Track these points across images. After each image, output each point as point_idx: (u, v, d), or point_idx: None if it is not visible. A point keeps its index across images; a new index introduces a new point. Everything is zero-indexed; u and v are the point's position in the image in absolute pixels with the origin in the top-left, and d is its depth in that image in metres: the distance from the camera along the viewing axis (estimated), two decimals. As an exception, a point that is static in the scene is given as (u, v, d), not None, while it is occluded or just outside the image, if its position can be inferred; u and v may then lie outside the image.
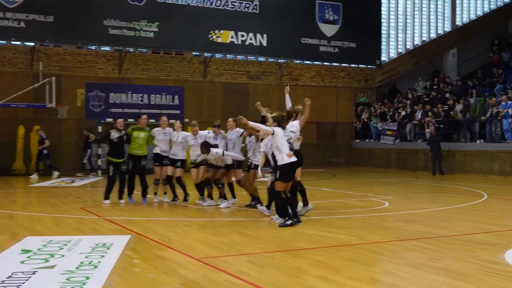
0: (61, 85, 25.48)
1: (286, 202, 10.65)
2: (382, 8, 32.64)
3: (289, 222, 10.48)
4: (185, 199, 14.41)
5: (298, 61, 30.54)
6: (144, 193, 14.30)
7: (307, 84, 30.77)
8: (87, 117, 26.09)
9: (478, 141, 25.54)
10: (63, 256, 7.74)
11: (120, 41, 26.21)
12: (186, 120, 26.26)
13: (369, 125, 30.77)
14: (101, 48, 26.93)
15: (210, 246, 8.61)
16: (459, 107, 26.71)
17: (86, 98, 26.19)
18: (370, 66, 32.30)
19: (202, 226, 10.67)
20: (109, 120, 25.15)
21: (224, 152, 13.18)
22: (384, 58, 32.83)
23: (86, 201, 15.20)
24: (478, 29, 35.09)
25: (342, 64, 31.77)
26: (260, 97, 28.97)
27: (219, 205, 13.52)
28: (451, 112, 26.46)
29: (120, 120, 14.02)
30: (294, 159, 10.62)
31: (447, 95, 28.77)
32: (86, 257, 7.61)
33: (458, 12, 34.88)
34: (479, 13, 35.57)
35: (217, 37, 28.05)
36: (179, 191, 14.53)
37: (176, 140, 14.27)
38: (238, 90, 29.20)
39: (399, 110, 29.46)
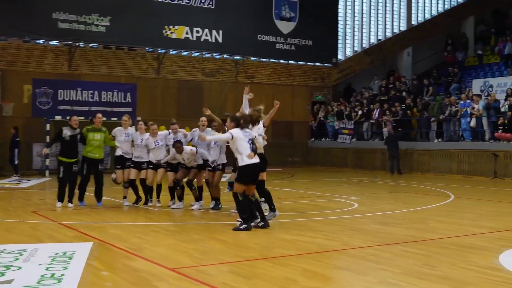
0: (6, 81, 24.26)
1: (244, 205, 9.97)
2: (339, 6, 32.23)
3: (243, 226, 9.85)
4: (135, 202, 13.55)
5: (254, 59, 29.90)
6: (99, 196, 13.36)
7: (263, 82, 30.15)
8: (34, 114, 24.86)
9: (436, 140, 25.40)
10: (20, 268, 6.84)
11: (70, 35, 24.99)
12: (138, 118, 25.26)
13: (325, 124, 30.35)
14: (50, 43, 25.72)
15: (185, 254, 7.82)
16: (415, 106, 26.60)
17: (33, 94, 24.98)
18: (326, 65, 31.89)
19: (171, 232, 9.87)
20: (58, 118, 24.03)
21: (198, 150, 12.49)
22: (340, 56, 32.48)
23: (37, 204, 14.14)
24: (432, 28, 35.12)
25: (299, 62, 31.28)
26: (215, 95, 28.35)
27: (192, 206, 12.84)
28: (408, 111, 26.24)
29: (75, 117, 12.98)
30: (255, 160, 9.96)
31: (404, 94, 28.60)
32: (46, 269, 6.73)
33: (413, 11, 34.80)
34: (434, 12, 35.60)
35: (172, 32, 27.13)
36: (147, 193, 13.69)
37: (140, 143, 13.35)
38: (192, 88, 28.36)
39: (356, 109, 29.12)
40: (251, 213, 10.13)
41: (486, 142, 23.33)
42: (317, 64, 31.77)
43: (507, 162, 22.37)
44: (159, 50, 27.72)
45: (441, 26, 35.39)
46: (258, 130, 10.79)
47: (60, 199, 12.93)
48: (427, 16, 35.42)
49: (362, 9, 33.50)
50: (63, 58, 25.80)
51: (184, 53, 28.53)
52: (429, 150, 25.17)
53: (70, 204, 12.90)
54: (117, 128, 13.47)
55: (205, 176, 12.84)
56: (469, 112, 23.73)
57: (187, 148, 12.59)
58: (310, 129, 31.26)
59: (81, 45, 25.87)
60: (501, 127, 22.49)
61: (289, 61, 30.93)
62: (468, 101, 24.14)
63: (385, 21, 34.12)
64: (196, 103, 28.02)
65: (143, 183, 13.40)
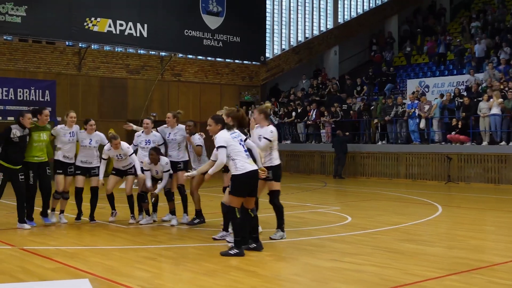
0: None
1: (241, 224, 8.32)
2: (267, 2, 30.87)
3: (233, 251, 8.17)
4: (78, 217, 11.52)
5: (181, 55, 27.97)
6: (45, 211, 11.18)
7: (190, 81, 28.32)
8: None
9: (380, 143, 24.56)
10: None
11: (-19, 25, 22.21)
12: (58, 118, 22.80)
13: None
14: (-43, 33, 22.77)
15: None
16: (357, 106, 25.71)
17: None
18: (254, 63, 30.47)
19: (173, 259, 8.06)
20: (-31, 118, 21.22)
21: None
22: (268, 54, 31.14)
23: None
24: (358, 27, 34.55)
25: (226, 60, 29.67)
26: (140, 94, 26.29)
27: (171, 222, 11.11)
28: (351, 112, 25.27)
29: (29, 114, 10.67)
30: (252, 167, 8.26)
31: (343, 94, 27.67)
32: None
33: (340, 9, 34.07)
34: (360, 11, 35.07)
35: (94, 25, 24.77)
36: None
37: (88, 145, 11.31)
38: (116, 86, 26.09)
39: (289, 109, 27.83)
40: (247, 234, 8.48)
41: (438, 144, 22.64)
42: (245, 62, 30.30)
43: (461, 165, 21.65)
44: (80, 45, 25.24)
45: (366, 25, 34.91)
46: (270, 133, 9.19)
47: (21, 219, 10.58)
48: (353, 14, 34.80)
49: (290, 6, 32.34)
50: (-28, 51, 22.94)
51: (107, 48, 26.21)
52: (373, 153, 24.24)
53: (25, 225, 10.60)
54: (60, 126, 11.35)
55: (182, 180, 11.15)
56: (417, 113, 23.02)
57: (164, 160, 10.87)
58: (240, 130, 29.64)
59: (-7, 37, 23.10)
60: (457, 129, 21.76)
61: (217, 59, 29.24)
62: (416, 101, 23.43)
63: (312, 18, 33.15)
64: (120, 102, 25.91)
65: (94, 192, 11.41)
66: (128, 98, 26.29)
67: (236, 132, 8.55)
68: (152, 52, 27.27)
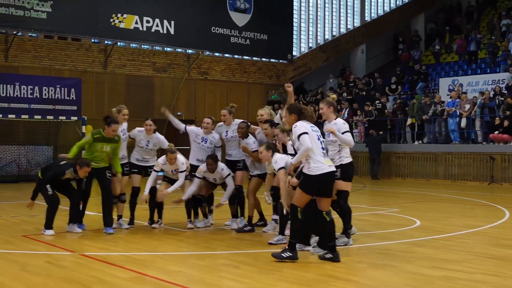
0: None
1: (300, 226, 7.57)
2: (294, -1, 30.15)
3: (286, 254, 7.40)
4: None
5: (208, 53, 27.17)
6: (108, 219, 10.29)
7: (217, 79, 27.55)
8: (-36, 113, 21.05)
9: (416, 142, 23.73)
10: None
11: (6, 22, 21.53)
12: (83, 117, 22.12)
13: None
14: (-18, 30, 22.06)
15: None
16: (390, 105, 24.89)
17: (-38, 89, 21.19)
18: (282, 61, 29.68)
19: (258, 268, 7.22)
20: (-1, 117, 20.53)
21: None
22: (295, 52, 30.34)
23: (16, 223, 10.95)
24: (384, 25, 33.75)
25: (254, 58, 28.87)
26: (166, 92, 25.53)
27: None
28: (386, 111, 24.45)
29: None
30: (330, 168, 7.47)
31: (376, 93, 26.82)
32: None
33: (367, 7, 33.27)
34: (386, 9, 34.28)
35: (120, 22, 24.05)
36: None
37: (145, 146, 10.42)
38: (142, 84, 25.32)
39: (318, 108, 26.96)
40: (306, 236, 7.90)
41: (480, 144, 21.78)
42: (272, 60, 29.50)
43: (505, 165, 20.79)
44: (106, 41, 24.50)
45: (393, 23, 34.10)
46: (343, 125, 8.48)
47: (49, 225, 9.57)
48: (380, 12, 34.00)
49: (317, 3, 31.56)
50: (-3, 47, 22.23)
51: (133, 45, 25.45)
52: (410, 153, 23.41)
53: (77, 229, 9.79)
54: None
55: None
56: (458, 112, 22.17)
57: (220, 166, 9.98)
58: (267, 130, 28.80)
59: (19, 34, 22.31)
60: (500, 128, 20.92)
61: (244, 57, 28.46)
62: (458, 99, 22.58)
63: (340, 16, 32.37)
64: (146, 101, 25.15)
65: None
66: (155, 96, 25.54)
67: (315, 126, 7.76)
68: (179, 50, 26.53)
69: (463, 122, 22.27)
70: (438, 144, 22.86)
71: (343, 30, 32.45)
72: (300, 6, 30.94)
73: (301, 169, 7.61)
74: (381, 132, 23.69)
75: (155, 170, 10.02)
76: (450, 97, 23.40)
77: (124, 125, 10.47)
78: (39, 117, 21.47)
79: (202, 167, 9.90)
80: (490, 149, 21.33)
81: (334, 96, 9.48)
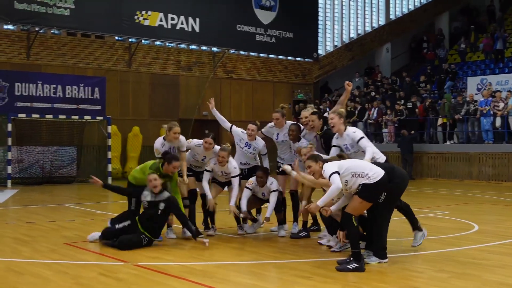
0: (-48, 72, 19.96)
1: (357, 234, 7.08)
2: (318, -4, 29.57)
3: (352, 265, 6.82)
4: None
5: (233, 51, 26.59)
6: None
7: (242, 78, 26.99)
8: (-14, 112, 20.58)
9: (448, 142, 23.09)
10: None
11: (28, 18, 20.92)
12: (108, 117, 21.63)
13: (310, 124, 27.35)
14: (5, 27, 21.54)
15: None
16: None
17: (-15, 88, 20.70)
18: (307, 60, 29.08)
19: (333, 279, 6.68)
20: (21, 116, 19.97)
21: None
22: (320, 51, 29.75)
23: (55, 229, 10.42)
24: (409, 23, 33.15)
25: (279, 57, 28.29)
26: (192, 91, 25.01)
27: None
28: (416, 110, 23.81)
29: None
30: (380, 173, 7.03)
31: (401, 92, 26.23)
32: None
33: (391, 5, 32.67)
34: (411, 7, 33.66)
35: (144, 19, 23.50)
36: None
37: (200, 160, 9.62)
38: (167, 83, 24.78)
39: (350, 109, 26.40)
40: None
41: (514, 144, 21.22)
42: (297, 59, 28.90)
43: (541, 165, 20.29)
44: (130, 39, 23.99)
45: (417, 21, 33.51)
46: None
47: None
48: (405, 10, 33.39)
49: (342, 1, 31.00)
50: (20, 45, 21.73)
51: (157, 43, 24.92)
52: (442, 153, 22.78)
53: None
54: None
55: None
56: (491, 112, 21.54)
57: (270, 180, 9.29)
58: (293, 130, 28.16)
59: (41, 31, 21.84)
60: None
61: (269, 55, 27.89)
62: (490, 98, 21.94)
63: (365, 14, 31.77)
64: (171, 100, 24.65)
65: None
66: (180, 96, 25.01)
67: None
68: (204, 48, 25.99)
69: (498, 122, 21.67)
70: (471, 144, 22.27)
71: (368, 29, 31.87)
72: (325, 4, 30.38)
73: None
74: (412, 132, 23.07)
75: (207, 170, 9.41)
76: (483, 96, 22.78)
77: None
78: (64, 117, 20.95)
79: (253, 179, 9.27)
80: (527, 149, 20.78)
81: (343, 110, 8.77)
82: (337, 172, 6.91)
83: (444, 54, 30.91)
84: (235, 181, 9.28)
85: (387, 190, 7.16)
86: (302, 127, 9.33)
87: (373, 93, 27.55)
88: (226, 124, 9.91)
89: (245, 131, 9.63)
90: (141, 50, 24.15)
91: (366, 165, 7.16)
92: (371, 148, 7.90)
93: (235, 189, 9.26)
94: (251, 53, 27.56)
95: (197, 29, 24.78)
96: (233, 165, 9.27)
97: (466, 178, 21.85)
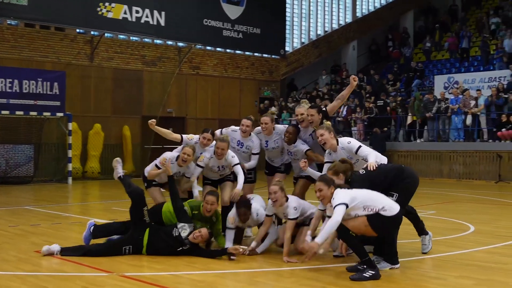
0: None
1: (357, 243, 6.43)
2: (285, -8, 28.98)
3: (369, 273, 6.21)
4: None
5: (199, 46, 25.76)
6: None
7: (209, 74, 26.16)
8: None
9: (418, 140, 22.79)
10: None
11: (-17, 8, 19.82)
12: (69, 113, 20.62)
13: (278, 122, 26.68)
14: (-42, 17, 20.34)
15: None
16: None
17: None
18: (274, 56, 28.44)
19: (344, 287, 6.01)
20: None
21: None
22: (288, 48, 29.16)
23: (19, 234, 9.48)
24: (376, 21, 32.86)
25: (246, 53, 27.58)
26: (156, 87, 24.16)
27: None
28: (387, 108, 23.43)
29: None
30: (396, 208, 6.33)
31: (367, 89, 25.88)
32: None
33: (358, 2, 32.33)
34: (377, 5, 33.37)
35: (108, 11, 22.53)
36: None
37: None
38: (131, 78, 23.79)
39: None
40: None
41: (486, 142, 20.99)
42: (265, 55, 28.25)
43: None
44: (93, 32, 22.96)
45: (383, 20, 33.24)
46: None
47: None
48: (371, 8, 33.09)
49: (309, -3, 30.52)
50: (-26, 36, 20.54)
51: (121, 36, 23.93)
52: (413, 152, 22.48)
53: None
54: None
55: None
56: (462, 110, 21.31)
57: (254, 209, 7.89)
58: (259, 128, 27.44)
59: (-3, 22, 20.74)
60: (508, 125, 20.13)
61: (236, 51, 27.15)
62: (460, 96, 21.73)
63: (332, 11, 31.31)
64: (135, 96, 23.71)
65: None
66: (144, 92, 24.07)
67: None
68: (170, 43, 25.10)
69: (468, 120, 21.50)
70: (442, 143, 22.03)
71: (335, 26, 31.45)
72: (293, 0, 29.78)
73: None
74: (385, 129, 22.71)
75: (199, 165, 8.48)
76: (453, 94, 22.58)
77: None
78: (21, 113, 19.80)
79: (233, 214, 7.77)
80: (497, 147, 20.66)
81: (329, 123, 7.93)
82: (346, 205, 6.17)
83: (409, 52, 30.75)
84: (238, 168, 8.30)
85: (398, 191, 6.68)
86: (300, 129, 8.56)
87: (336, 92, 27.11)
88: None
89: (236, 128, 8.86)
90: (103, 44, 23.11)
91: (382, 199, 6.40)
92: (372, 154, 7.23)
93: (240, 176, 8.23)
94: (218, 49, 26.80)
95: (162, 23, 23.93)
96: (231, 154, 8.42)
97: (437, 177, 21.62)
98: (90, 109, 22.67)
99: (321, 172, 7.64)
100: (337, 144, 7.40)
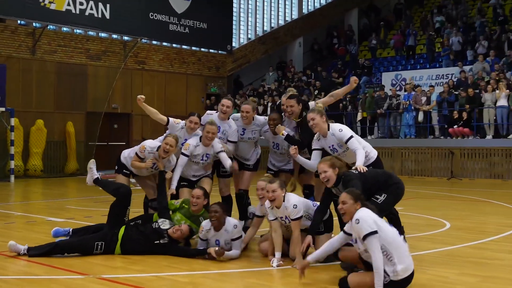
0: None
1: None
2: (232, -13, 28.51)
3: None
4: None
5: (145, 41, 24.99)
6: None
7: (154, 69, 25.44)
8: None
9: (369, 137, 22.76)
10: None
11: None
12: (11, 108, 19.65)
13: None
14: None
15: None
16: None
17: None
18: (221, 52, 27.93)
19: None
20: None
21: None
22: (234, 44, 28.72)
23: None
24: (321, 18, 32.82)
25: (193, 48, 26.97)
26: (101, 82, 23.34)
27: None
28: (340, 104, 23.31)
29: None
30: (411, 267, 5.40)
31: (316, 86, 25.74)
32: None
33: (304, -1, 32.28)
34: (323, 2, 33.31)
35: (50, 2, 21.53)
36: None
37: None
38: (75, 73, 22.85)
39: (261, 103, 25.56)
40: None
41: (437, 138, 21.13)
42: (211, 51, 27.70)
43: (464, 160, 20.31)
44: (35, 24, 21.94)
45: (328, 17, 33.23)
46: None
47: None
48: (317, 5, 33.00)
49: (255, -8, 30.17)
50: None
51: (65, 29, 22.97)
52: (364, 148, 22.38)
53: None
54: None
55: None
56: (413, 107, 21.40)
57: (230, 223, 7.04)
58: (206, 125, 26.85)
59: None
60: (459, 122, 20.31)
61: (183, 46, 26.51)
62: (413, 92, 21.81)
63: (278, 7, 31.06)
64: (79, 91, 22.82)
65: None
66: (89, 87, 23.17)
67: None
68: (115, 36, 24.27)
69: (420, 116, 21.61)
70: (394, 139, 22.07)
71: (281, 22, 31.20)
72: (239, -6, 29.46)
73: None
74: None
75: (184, 154, 7.83)
76: (405, 91, 22.69)
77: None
78: (-42, 110, 18.73)
79: (205, 224, 7.05)
80: (449, 143, 20.82)
81: (321, 105, 7.63)
82: (376, 232, 5.28)
83: (355, 50, 30.81)
84: (223, 155, 7.81)
85: (387, 192, 6.40)
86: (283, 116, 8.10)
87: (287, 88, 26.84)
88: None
89: (212, 112, 8.36)
90: (46, 37, 22.13)
91: (400, 244, 5.39)
92: (362, 151, 6.80)
93: (226, 161, 7.79)
94: (164, 43, 26.09)
95: (107, 15, 23.09)
96: (216, 141, 7.87)
97: (390, 174, 21.56)
98: (32, 104, 21.66)
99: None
100: (328, 130, 6.97)
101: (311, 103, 8.04)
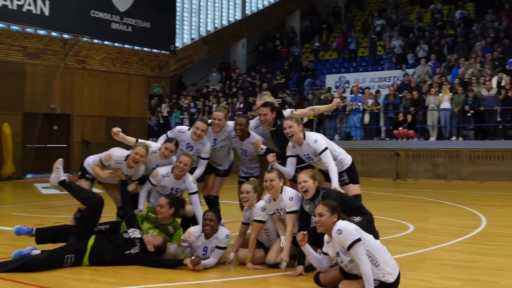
0: None
1: None
2: (176, -14, 28.03)
3: None
4: None
5: (86, 39, 24.20)
6: None
7: (95, 69, 24.68)
8: None
9: (315, 139, 22.70)
10: None
11: None
12: None
13: (169, 120, 25.66)
14: None
15: None
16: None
17: None
18: (164, 52, 27.39)
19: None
20: None
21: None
22: (178, 44, 28.23)
23: None
24: (265, 20, 32.71)
25: (135, 47, 26.34)
26: (39, 82, 22.51)
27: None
28: (286, 106, 23.14)
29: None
30: (397, 268, 5.28)
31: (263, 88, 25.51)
32: None
33: (247, 0, 31.98)
34: (266, 3, 33.19)
35: (-14, -2, 20.63)
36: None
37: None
38: (11, 71, 21.89)
39: (206, 104, 25.21)
40: None
41: (383, 140, 21.31)
42: (154, 50, 27.13)
43: (409, 161, 20.59)
44: (-31, 20, 20.99)
45: (271, 18, 33.15)
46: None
47: None
48: (260, 6, 32.83)
49: (199, -9, 29.76)
50: None
51: (0, 25, 22.01)
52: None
53: None
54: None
55: None
56: (361, 108, 21.49)
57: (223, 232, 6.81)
58: (148, 127, 26.25)
59: None
60: (405, 124, 20.53)
61: (125, 45, 25.85)
62: (360, 95, 21.90)
63: (222, 8, 30.72)
64: (16, 91, 21.93)
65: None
66: (26, 86, 22.26)
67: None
68: (54, 34, 23.39)
69: (366, 118, 21.74)
70: (340, 141, 21.92)
71: (225, 23, 30.89)
72: (183, -6, 28.99)
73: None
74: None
75: (151, 182, 7.33)
76: (352, 93, 22.79)
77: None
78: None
79: (195, 231, 6.74)
80: (394, 145, 21.01)
81: (297, 113, 7.46)
82: (360, 239, 5.14)
83: (298, 52, 30.87)
84: (195, 199, 7.32)
85: (361, 216, 6.21)
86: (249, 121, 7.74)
87: (234, 89, 26.59)
88: None
89: (184, 129, 7.75)
90: (-19, 34, 21.19)
91: (381, 247, 5.31)
92: (334, 167, 6.58)
93: (198, 210, 7.27)
94: (106, 42, 25.36)
95: (46, 12, 22.31)
96: (191, 179, 7.35)
97: (335, 175, 21.58)
98: (-35, 105, 20.68)
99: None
100: (304, 139, 6.75)
101: (286, 111, 7.73)
